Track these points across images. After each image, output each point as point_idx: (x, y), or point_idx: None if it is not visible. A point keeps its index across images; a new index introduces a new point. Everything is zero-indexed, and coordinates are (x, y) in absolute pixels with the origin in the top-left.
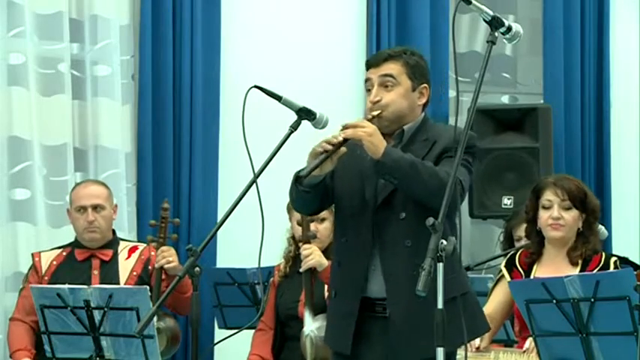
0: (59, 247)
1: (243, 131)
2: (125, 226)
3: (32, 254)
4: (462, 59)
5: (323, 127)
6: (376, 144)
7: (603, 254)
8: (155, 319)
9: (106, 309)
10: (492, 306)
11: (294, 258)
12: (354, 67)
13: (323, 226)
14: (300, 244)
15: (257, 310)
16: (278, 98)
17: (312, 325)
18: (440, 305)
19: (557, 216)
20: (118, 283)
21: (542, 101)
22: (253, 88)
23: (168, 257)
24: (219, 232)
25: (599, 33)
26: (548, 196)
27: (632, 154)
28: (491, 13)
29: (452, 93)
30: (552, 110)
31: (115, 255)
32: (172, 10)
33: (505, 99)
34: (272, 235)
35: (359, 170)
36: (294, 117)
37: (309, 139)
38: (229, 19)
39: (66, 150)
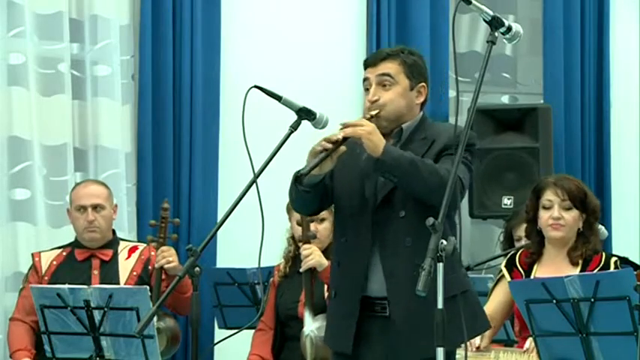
0: (59, 247)
1: (243, 131)
2: (125, 226)
3: (32, 254)
4: (461, 59)
5: (323, 127)
6: (376, 142)
7: (603, 254)
8: (155, 319)
9: (106, 309)
10: (492, 306)
11: (294, 258)
12: (354, 67)
13: (323, 226)
14: (300, 244)
15: (257, 310)
16: (278, 98)
17: (312, 325)
18: (440, 305)
19: (557, 216)
20: (118, 283)
21: (542, 101)
22: (253, 88)
23: (168, 257)
24: (219, 232)
25: (599, 33)
26: (549, 196)
27: (632, 154)
28: (491, 13)
29: (452, 93)
30: (552, 110)
31: (115, 255)
32: (172, 10)
33: (505, 99)
34: (272, 235)
35: (358, 170)
36: (294, 117)
37: (309, 139)
38: (229, 19)
39: (66, 150)
